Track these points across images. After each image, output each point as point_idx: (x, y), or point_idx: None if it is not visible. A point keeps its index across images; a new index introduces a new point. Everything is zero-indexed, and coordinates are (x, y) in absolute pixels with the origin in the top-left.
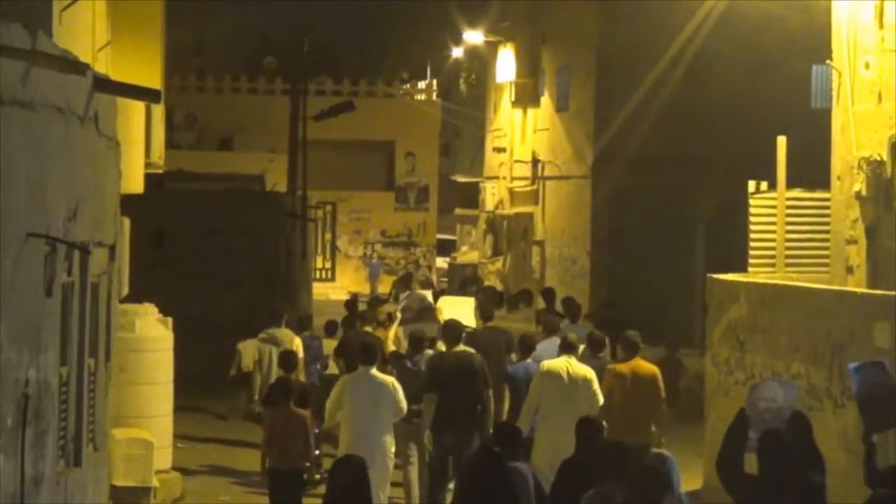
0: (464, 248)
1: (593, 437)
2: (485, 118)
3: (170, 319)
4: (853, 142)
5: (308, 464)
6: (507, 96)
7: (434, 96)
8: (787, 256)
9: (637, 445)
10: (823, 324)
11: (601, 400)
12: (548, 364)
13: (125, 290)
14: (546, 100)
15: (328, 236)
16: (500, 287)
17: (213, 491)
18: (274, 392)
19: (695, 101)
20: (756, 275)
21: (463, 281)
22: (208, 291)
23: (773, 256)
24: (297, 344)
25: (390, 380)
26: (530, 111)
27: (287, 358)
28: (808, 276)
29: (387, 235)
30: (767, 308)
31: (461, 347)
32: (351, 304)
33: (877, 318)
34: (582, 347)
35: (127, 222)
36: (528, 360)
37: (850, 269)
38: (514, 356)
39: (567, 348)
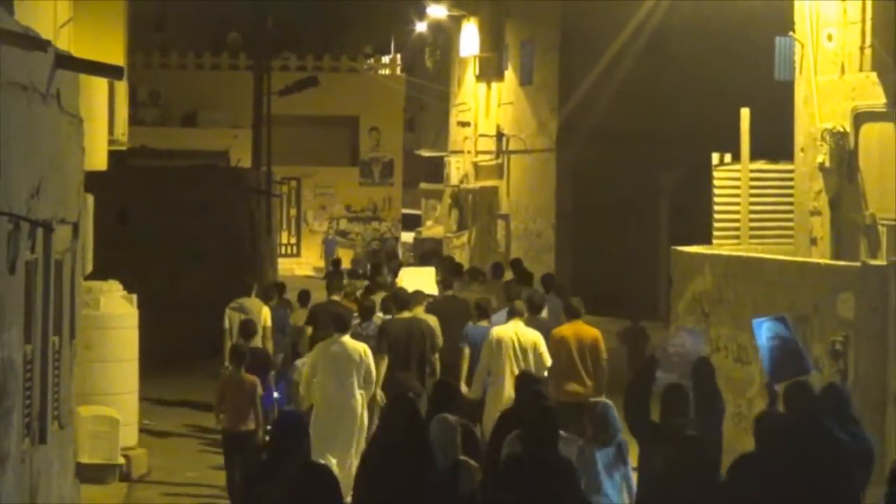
0: (429, 223)
1: (532, 389)
2: (449, 93)
3: (134, 296)
4: (816, 113)
5: (257, 426)
6: (472, 70)
7: (398, 71)
8: (751, 228)
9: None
10: (787, 295)
11: (549, 361)
12: (497, 331)
13: (89, 268)
14: (510, 74)
15: (293, 212)
16: (465, 261)
17: (180, 467)
18: (227, 358)
19: (658, 74)
20: (720, 247)
21: (423, 254)
22: (173, 268)
23: (737, 228)
24: (266, 314)
25: (362, 346)
26: (494, 85)
27: (245, 326)
28: (772, 247)
29: (352, 210)
30: (732, 280)
31: (411, 314)
32: (336, 262)
33: (840, 288)
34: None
35: (90, 199)
36: (486, 324)
37: (813, 241)
38: (471, 322)
39: (513, 314)
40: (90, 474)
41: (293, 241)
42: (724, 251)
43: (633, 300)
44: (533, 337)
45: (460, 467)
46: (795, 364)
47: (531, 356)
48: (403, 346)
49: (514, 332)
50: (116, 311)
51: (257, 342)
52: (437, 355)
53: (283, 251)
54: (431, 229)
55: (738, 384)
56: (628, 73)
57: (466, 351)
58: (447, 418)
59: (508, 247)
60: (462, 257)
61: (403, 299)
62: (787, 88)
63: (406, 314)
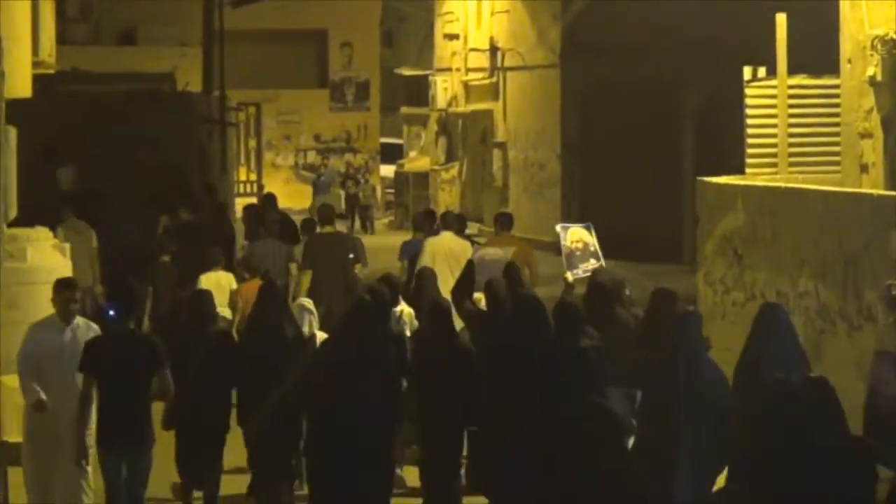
0: (412, 154)
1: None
2: (433, 0)
3: (67, 246)
4: (865, 18)
5: None
6: None
7: None
8: (791, 154)
9: None
10: (834, 233)
11: None
12: (431, 241)
13: (13, 213)
14: None
15: (252, 143)
16: (456, 198)
17: None
18: None
19: None
20: (755, 177)
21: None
22: (111, 211)
23: (774, 155)
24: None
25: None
26: None
27: None
28: (816, 176)
29: (321, 140)
30: (769, 216)
31: (333, 229)
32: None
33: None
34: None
35: (13, 132)
36: (420, 236)
37: (864, 168)
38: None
39: (447, 226)
40: (19, 453)
41: (253, 177)
42: (760, 182)
43: (654, 241)
44: (462, 244)
45: (314, 336)
46: (589, 258)
47: (462, 259)
48: (327, 258)
49: (446, 241)
50: (47, 263)
51: None
52: (359, 265)
53: (241, 189)
54: (415, 161)
55: None
56: None
57: (404, 264)
58: (302, 302)
59: (506, 181)
60: (453, 193)
61: (327, 215)
62: None
63: (328, 229)
